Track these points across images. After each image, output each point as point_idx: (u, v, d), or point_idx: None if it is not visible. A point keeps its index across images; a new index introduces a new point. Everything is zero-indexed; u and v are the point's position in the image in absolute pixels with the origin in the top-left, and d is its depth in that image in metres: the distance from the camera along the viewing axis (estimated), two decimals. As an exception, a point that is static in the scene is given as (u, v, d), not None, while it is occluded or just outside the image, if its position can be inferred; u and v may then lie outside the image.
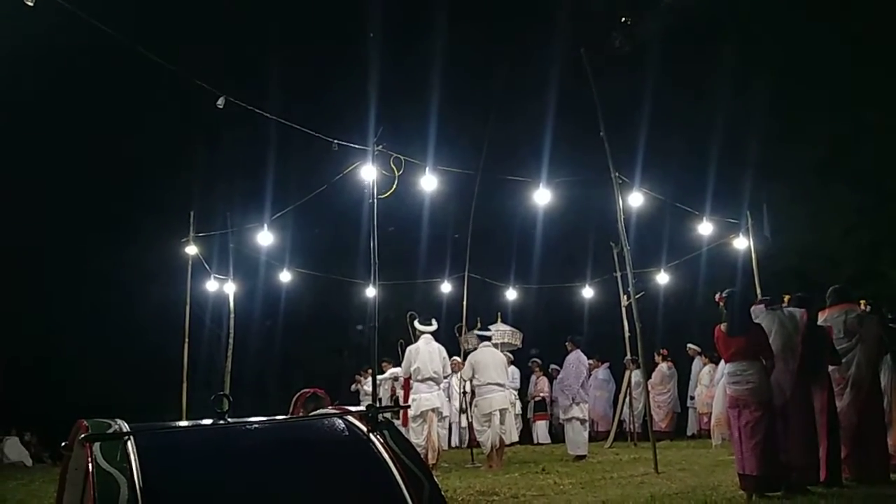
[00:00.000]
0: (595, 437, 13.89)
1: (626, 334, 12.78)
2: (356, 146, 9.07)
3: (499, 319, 13.64)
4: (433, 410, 9.76)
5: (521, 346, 13.99)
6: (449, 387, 12.56)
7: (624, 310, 12.37)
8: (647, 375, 11.79)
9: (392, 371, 13.07)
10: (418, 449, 8.87)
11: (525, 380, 16.07)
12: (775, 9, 16.05)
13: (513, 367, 14.48)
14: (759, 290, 11.21)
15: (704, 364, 14.21)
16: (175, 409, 11.56)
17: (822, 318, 7.14)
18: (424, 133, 13.57)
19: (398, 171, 8.82)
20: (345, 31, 18.27)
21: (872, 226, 15.17)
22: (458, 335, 11.67)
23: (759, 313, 6.62)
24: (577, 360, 11.38)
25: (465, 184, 11.96)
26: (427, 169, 9.69)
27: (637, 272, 10.73)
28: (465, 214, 12.15)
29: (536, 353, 16.27)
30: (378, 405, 2.18)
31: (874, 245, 15.19)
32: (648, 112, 15.87)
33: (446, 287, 15.14)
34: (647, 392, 10.93)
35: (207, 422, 2.18)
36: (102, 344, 17.06)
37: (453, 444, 14.28)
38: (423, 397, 9.71)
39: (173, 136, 18.28)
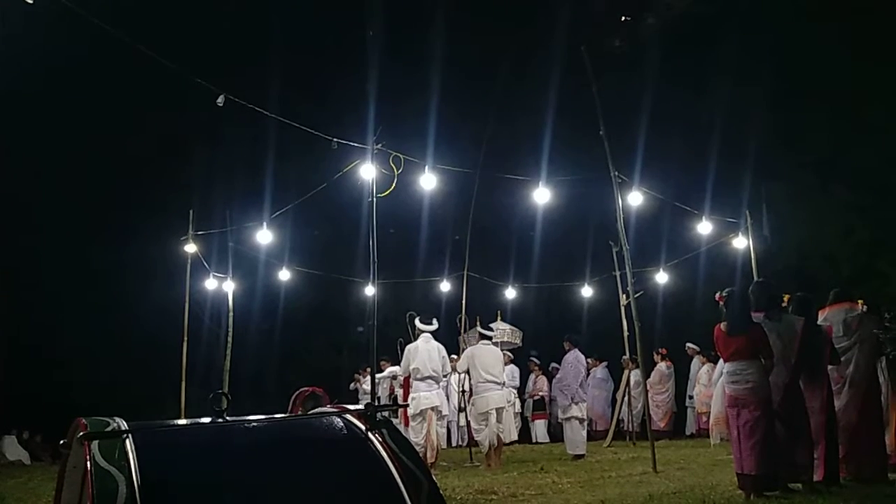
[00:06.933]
0: (593, 436, 13.90)
1: (625, 333, 12.76)
2: (355, 144, 9.06)
3: (498, 318, 13.65)
4: (433, 409, 9.77)
5: (521, 344, 14.01)
6: (447, 385, 12.57)
7: (623, 309, 12.34)
8: (646, 375, 11.79)
9: (391, 370, 13.07)
10: (417, 448, 8.87)
11: (524, 378, 16.08)
12: (775, 8, 16.05)
13: (512, 365, 14.48)
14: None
15: (703, 363, 14.23)
16: (174, 408, 11.55)
17: (822, 317, 7.15)
18: (424, 132, 13.56)
19: (397, 170, 8.81)
20: (344, 29, 18.26)
21: (872, 225, 15.17)
22: (459, 332, 11.65)
23: (757, 320, 6.59)
24: (575, 359, 11.39)
25: (465, 182, 11.98)
26: (426, 167, 9.69)
27: (636, 271, 10.71)
28: (464, 213, 12.15)
29: (535, 353, 16.28)
30: (377, 404, 2.18)
31: (873, 244, 15.18)
32: (648, 111, 15.86)
33: (445, 286, 15.14)
34: (646, 391, 10.93)
35: (206, 420, 2.18)
36: (101, 342, 17.04)
37: (452, 444, 14.29)
38: (423, 396, 9.72)
39: (173, 133, 18.25)
